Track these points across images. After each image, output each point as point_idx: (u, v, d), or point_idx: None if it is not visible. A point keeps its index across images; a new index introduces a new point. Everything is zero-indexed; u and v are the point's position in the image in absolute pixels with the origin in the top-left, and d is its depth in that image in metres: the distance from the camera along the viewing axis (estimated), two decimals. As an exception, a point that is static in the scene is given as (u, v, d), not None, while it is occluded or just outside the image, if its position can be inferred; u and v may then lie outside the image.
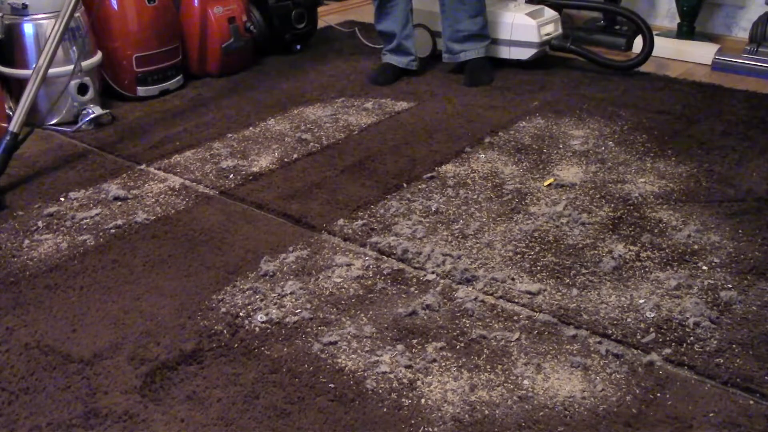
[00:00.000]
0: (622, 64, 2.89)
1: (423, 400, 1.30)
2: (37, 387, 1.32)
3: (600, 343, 1.43)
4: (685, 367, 1.37)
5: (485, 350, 1.42)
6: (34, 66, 2.15)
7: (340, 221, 1.85)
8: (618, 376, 1.35)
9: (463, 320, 1.50)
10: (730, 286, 1.60)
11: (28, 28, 2.34)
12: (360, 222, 1.85)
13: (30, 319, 1.50)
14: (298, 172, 2.11)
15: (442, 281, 1.62)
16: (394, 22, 2.78)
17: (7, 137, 2.04)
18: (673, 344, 1.42)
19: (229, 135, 2.37)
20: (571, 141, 2.30)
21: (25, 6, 2.31)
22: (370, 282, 1.62)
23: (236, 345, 1.43)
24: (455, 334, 1.46)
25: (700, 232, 1.80)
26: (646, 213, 1.89)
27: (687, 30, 3.21)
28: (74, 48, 2.37)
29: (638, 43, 3.19)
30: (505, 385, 1.33)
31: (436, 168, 2.13)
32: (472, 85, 2.77)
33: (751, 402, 1.29)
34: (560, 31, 3.00)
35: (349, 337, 1.45)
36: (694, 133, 2.36)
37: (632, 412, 1.27)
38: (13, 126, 2.05)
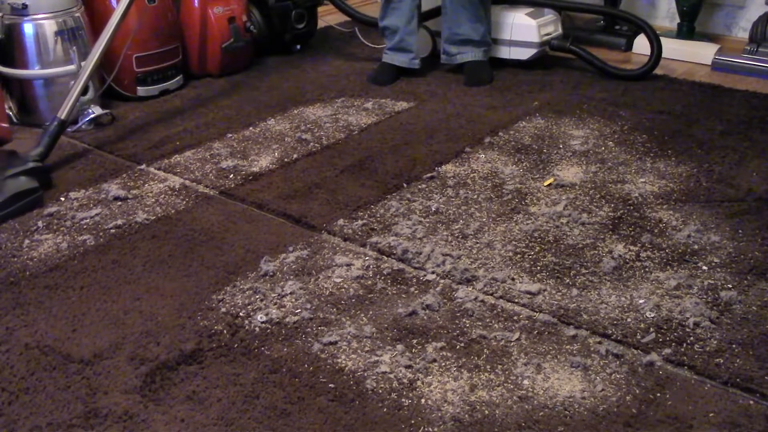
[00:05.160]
0: (628, 72, 2.86)
1: (423, 400, 1.30)
2: (37, 387, 1.32)
3: (600, 343, 1.43)
4: (685, 367, 1.37)
5: (485, 350, 1.42)
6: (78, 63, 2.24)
7: (340, 221, 1.85)
8: (618, 376, 1.35)
9: (463, 320, 1.50)
10: (730, 286, 1.60)
11: (28, 28, 2.34)
12: (360, 222, 1.85)
13: (30, 319, 1.50)
14: (298, 172, 2.11)
15: (442, 281, 1.62)
16: (400, 17, 2.78)
17: (55, 123, 2.14)
18: (673, 344, 1.42)
19: (229, 135, 2.37)
20: (571, 141, 2.30)
21: (25, 6, 2.31)
22: (370, 282, 1.62)
23: (236, 345, 1.43)
24: (455, 334, 1.46)
25: (700, 232, 1.80)
26: (646, 213, 1.90)
27: (687, 30, 3.21)
28: (74, 48, 2.36)
29: (638, 44, 3.20)
30: (505, 385, 1.33)
31: (436, 168, 2.13)
32: (471, 85, 2.77)
33: (751, 402, 1.29)
34: (560, 31, 3.00)
35: (349, 337, 1.45)
36: (694, 133, 2.37)
37: (632, 412, 1.27)
38: (62, 113, 2.15)
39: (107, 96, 2.63)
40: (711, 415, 1.26)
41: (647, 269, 1.66)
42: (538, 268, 1.67)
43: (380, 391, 1.32)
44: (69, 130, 2.39)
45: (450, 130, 2.39)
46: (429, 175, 2.09)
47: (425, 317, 1.51)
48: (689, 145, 2.28)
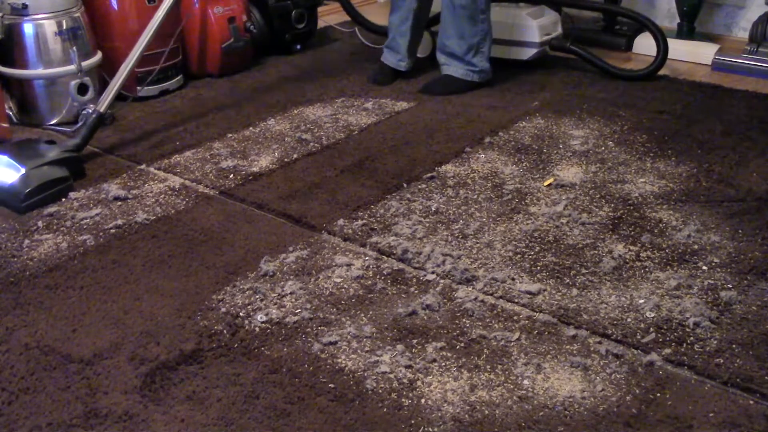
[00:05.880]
0: (632, 73, 2.85)
1: (423, 400, 1.30)
2: (37, 387, 1.32)
3: (600, 343, 1.43)
4: (685, 367, 1.37)
5: (485, 350, 1.42)
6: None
7: (340, 221, 1.85)
8: (618, 376, 1.35)
9: (463, 320, 1.50)
10: (730, 286, 1.60)
11: (28, 28, 2.34)
12: (360, 222, 1.85)
13: (30, 319, 1.50)
14: (298, 172, 2.11)
15: (442, 281, 1.62)
16: (398, 15, 2.78)
17: (94, 115, 2.18)
18: (673, 344, 1.42)
19: (229, 135, 2.37)
20: (571, 141, 2.30)
21: (25, 6, 2.31)
22: (370, 282, 1.62)
23: (236, 345, 1.43)
24: (455, 334, 1.46)
25: (700, 232, 1.80)
26: (646, 213, 1.90)
27: (687, 30, 3.21)
28: (74, 48, 2.36)
29: (638, 44, 3.20)
30: (505, 385, 1.33)
31: (436, 168, 2.13)
32: (422, 91, 2.72)
33: (751, 402, 1.29)
34: (560, 31, 3.00)
35: (349, 337, 1.45)
36: (694, 133, 2.37)
37: (632, 412, 1.27)
38: (100, 106, 2.19)
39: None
40: (711, 415, 1.26)
41: (647, 269, 1.66)
42: (538, 268, 1.67)
43: (380, 391, 1.32)
44: (68, 130, 2.39)
45: (450, 130, 2.39)
46: (429, 175, 2.09)
47: (425, 317, 1.51)
48: (689, 145, 2.28)
